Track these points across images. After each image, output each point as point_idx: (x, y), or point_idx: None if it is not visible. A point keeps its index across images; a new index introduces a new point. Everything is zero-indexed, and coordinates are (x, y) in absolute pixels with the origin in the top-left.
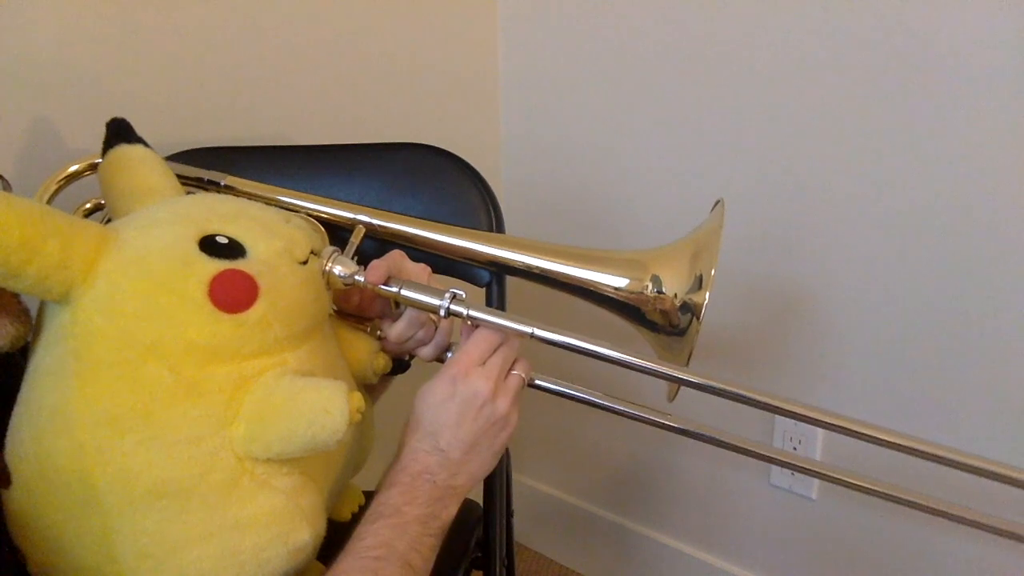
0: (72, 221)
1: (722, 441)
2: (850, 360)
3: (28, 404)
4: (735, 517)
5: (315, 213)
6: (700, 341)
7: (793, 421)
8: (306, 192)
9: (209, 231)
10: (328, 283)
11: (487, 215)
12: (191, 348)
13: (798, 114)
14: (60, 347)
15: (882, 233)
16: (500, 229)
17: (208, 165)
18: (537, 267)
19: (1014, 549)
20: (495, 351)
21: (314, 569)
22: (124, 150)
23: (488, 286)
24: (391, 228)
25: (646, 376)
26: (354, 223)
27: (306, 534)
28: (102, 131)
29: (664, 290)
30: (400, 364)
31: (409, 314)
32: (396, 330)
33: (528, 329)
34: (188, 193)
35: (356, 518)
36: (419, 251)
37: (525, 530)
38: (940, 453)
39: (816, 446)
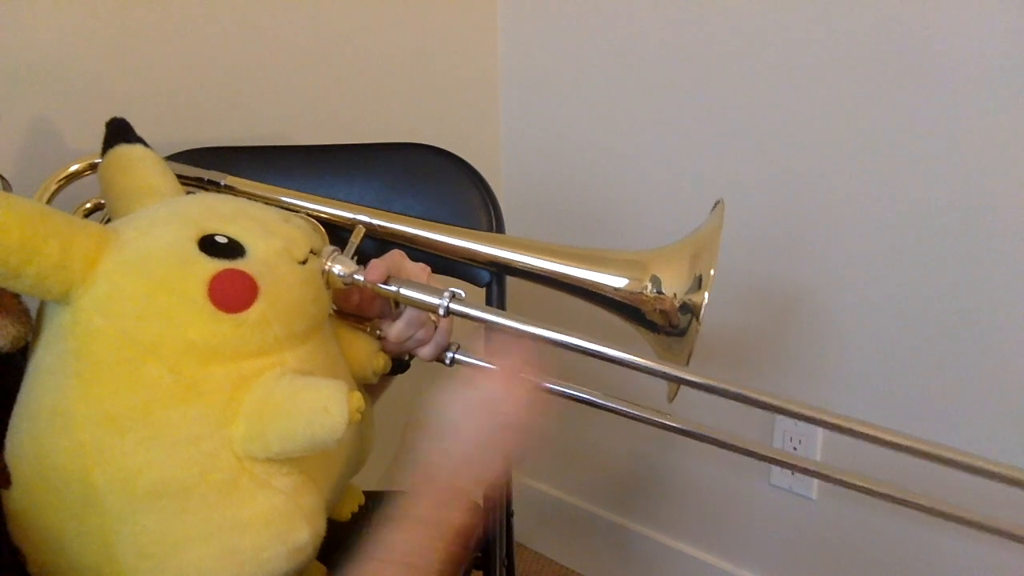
0: (72, 221)
1: (722, 441)
2: (850, 360)
3: (28, 404)
4: (735, 517)
5: (315, 213)
6: (700, 341)
7: (793, 421)
8: (306, 192)
9: (208, 231)
10: (328, 283)
11: (487, 215)
12: (191, 348)
13: (798, 114)
14: (60, 347)
15: (883, 233)
16: (500, 229)
17: (208, 165)
18: (537, 267)
19: (1014, 550)
20: (508, 354)
21: (314, 569)
22: (124, 150)
23: (488, 286)
24: (391, 228)
25: (646, 376)
26: (354, 223)
27: (306, 534)
28: (102, 131)
29: (664, 290)
30: (400, 364)
31: (408, 313)
32: (395, 330)
33: (527, 328)
34: (188, 193)
35: (356, 518)
36: (419, 251)
37: (525, 530)
38: (940, 453)
39: (816, 446)
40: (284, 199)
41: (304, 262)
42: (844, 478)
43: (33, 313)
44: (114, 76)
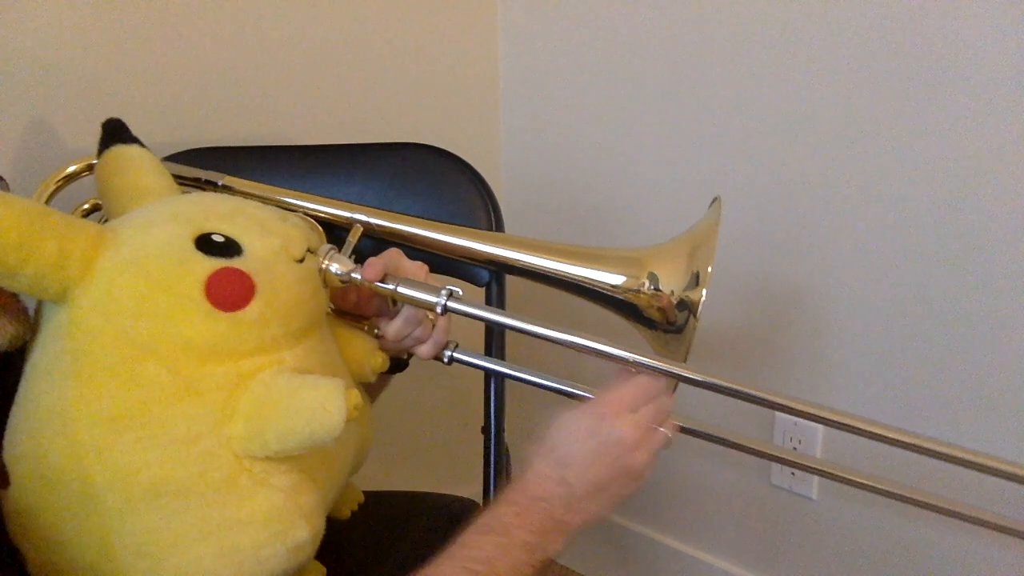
0: (69, 221)
1: (722, 438)
2: (849, 358)
3: (26, 404)
4: (735, 517)
5: (312, 212)
6: (698, 340)
7: (793, 420)
8: (306, 192)
9: (205, 230)
10: (325, 281)
11: (487, 215)
12: (188, 347)
13: (798, 114)
14: (57, 346)
15: (882, 231)
16: (500, 229)
17: (208, 165)
18: (534, 265)
19: (1014, 546)
20: (650, 401)
21: (313, 568)
22: (120, 150)
23: (488, 286)
24: (389, 227)
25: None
26: (351, 222)
27: (305, 532)
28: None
29: (661, 287)
30: (398, 363)
31: (406, 312)
32: (393, 328)
33: (526, 326)
34: (185, 193)
35: (355, 516)
36: (417, 250)
37: None
38: (939, 449)
39: (816, 446)
40: (281, 198)
41: (301, 261)
42: (843, 475)
43: (31, 313)
44: (113, 76)
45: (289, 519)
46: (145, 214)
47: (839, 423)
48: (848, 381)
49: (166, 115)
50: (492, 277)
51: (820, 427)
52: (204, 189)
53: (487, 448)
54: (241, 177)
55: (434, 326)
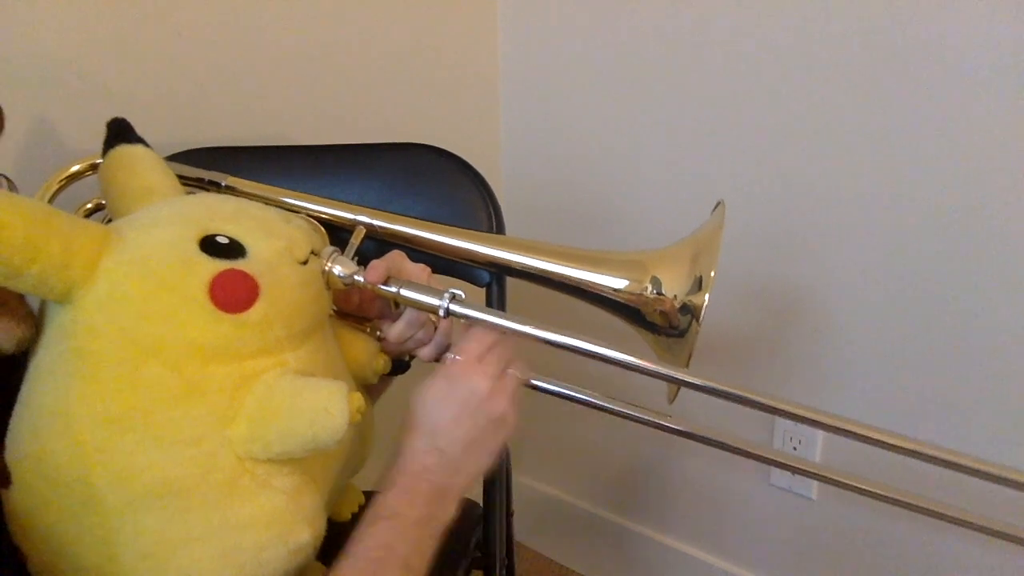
0: (74, 221)
1: (722, 443)
2: (851, 362)
3: (28, 404)
4: (735, 517)
5: (315, 214)
6: (700, 343)
7: (793, 422)
8: (306, 192)
9: (210, 231)
10: (328, 283)
11: (487, 215)
12: (192, 348)
13: (799, 115)
14: (61, 347)
15: (883, 234)
16: (500, 229)
17: (209, 165)
18: (536, 268)
19: (1013, 551)
20: (491, 349)
21: (314, 569)
22: (124, 150)
23: (488, 287)
24: (391, 229)
25: (646, 377)
26: (354, 224)
27: (306, 534)
28: (103, 131)
29: (664, 291)
30: (400, 365)
31: (408, 314)
32: (396, 330)
33: (528, 329)
34: (188, 193)
35: (356, 518)
36: (419, 252)
37: (525, 530)
38: (939, 455)
39: (816, 447)
40: (284, 199)
41: (305, 263)
42: (842, 480)
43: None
44: (115, 76)
45: (291, 521)
46: (149, 215)
47: (835, 428)
48: (849, 383)
49: (168, 115)
50: (493, 279)
51: (820, 430)
52: (207, 189)
53: None
54: (242, 177)
55: (436, 329)
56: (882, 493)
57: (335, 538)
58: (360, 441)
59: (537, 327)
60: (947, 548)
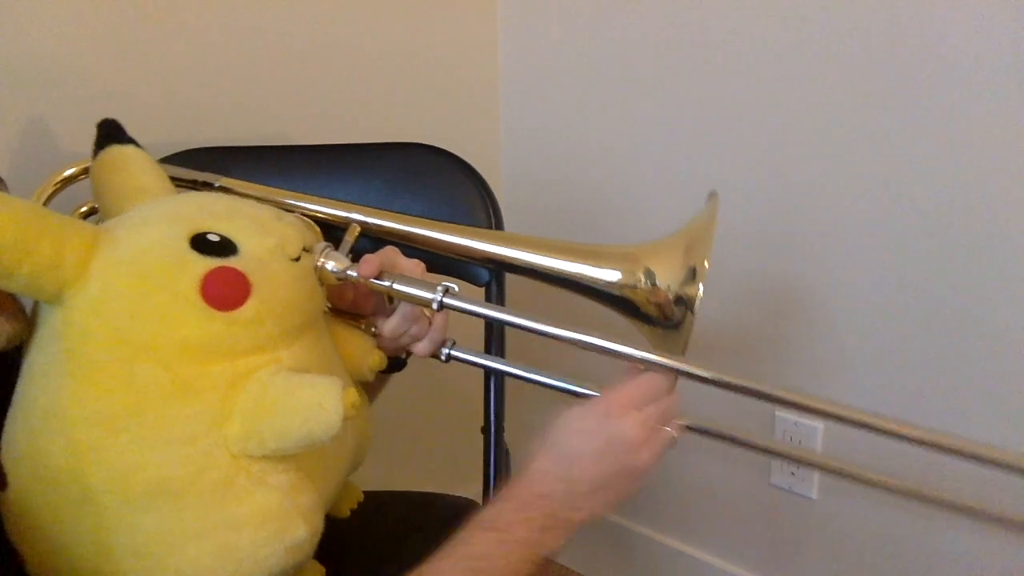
0: (65, 221)
1: (722, 434)
2: (848, 358)
3: (22, 404)
4: (735, 517)
5: (309, 212)
6: (697, 338)
7: (793, 420)
8: (306, 192)
9: (201, 229)
10: (321, 279)
11: (487, 215)
12: (184, 346)
13: (796, 112)
14: (53, 347)
15: (880, 228)
16: (500, 228)
17: (207, 165)
18: (530, 262)
19: (1013, 552)
20: (656, 401)
21: (312, 567)
22: (115, 150)
23: (487, 285)
24: (386, 226)
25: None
26: (347, 222)
27: (303, 531)
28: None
29: (658, 283)
30: (396, 362)
31: (403, 309)
32: (390, 326)
33: (524, 323)
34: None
35: (354, 516)
36: (415, 250)
37: None
38: (939, 440)
39: (816, 446)
40: (278, 199)
41: (297, 259)
42: (844, 469)
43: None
44: (113, 76)
45: (287, 518)
46: (140, 214)
47: (836, 415)
48: (846, 380)
49: (164, 115)
50: (491, 276)
51: (820, 426)
52: (200, 190)
53: (487, 448)
54: (240, 177)
55: (431, 323)
56: (882, 482)
57: (333, 536)
58: (357, 438)
59: (533, 319)
60: (947, 548)
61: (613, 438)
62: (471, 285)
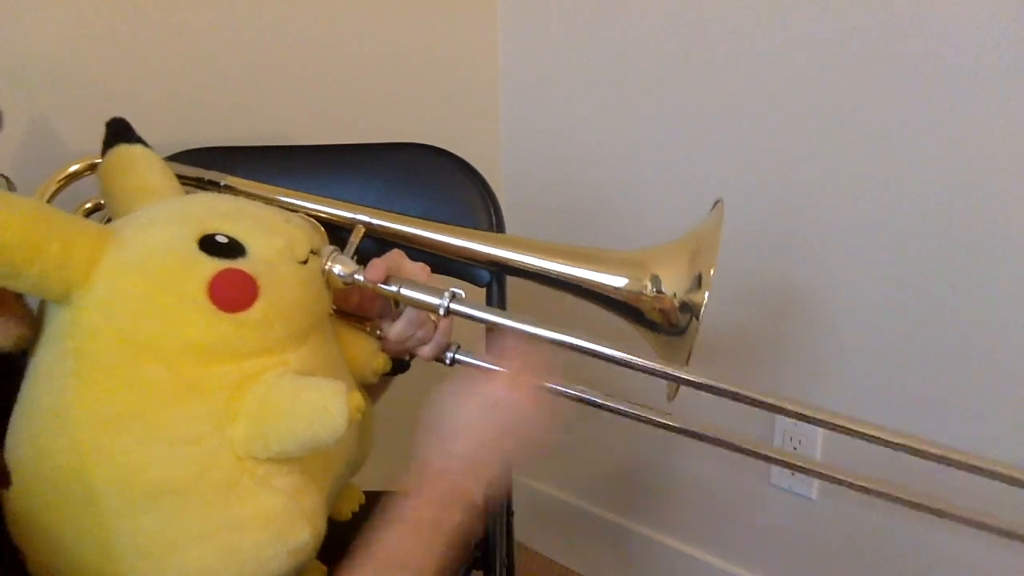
0: (73, 221)
1: (722, 440)
2: (850, 359)
3: (27, 404)
4: (735, 517)
5: (314, 213)
6: (700, 341)
7: (793, 421)
8: (306, 192)
9: (209, 230)
10: (328, 282)
11: (487, 215)
12: (190, 347)
13: (798, 114)
14: (59, 346)
15: (882, 232)
16: (500, 229)
17: (209, 165)
18: (536, 266)
19: (1013, 552)
20: (512, 355)
21: (314, 569)
22: (124, 150)
23: (488, 286)
24: (391, 228)
25: (646, 377)
26: (353, 223)
27: (306, 533)
28: (102, 130)
29: (663, 289)
30: (400, 364)
31: (408, 313)
32: (396, 329)
33: (527, 328)
34: (188, 193)
35: (356, 517)
36: (419, 251)
37: (525, 530)
38: (938, 452)
39: (816, 447)
40: (283, 199)
41: (305, 262)
42: (843, 477)
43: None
44: (114, 76)
45: (290, 520)
46: (148, 214)
47: (835, 425)
48: (848, 382)
49: (167, 114)
50: (493, 278)
51: (820, 429)
52: (206, 189)
53: None
54: (242, 177)
55: (436, 328)
56: (881, 490)
57: (335, 537)
58: (360, 441)
59: (537, 326)
60: (947, 548)
61: (479, 401)
62: (472, 286)
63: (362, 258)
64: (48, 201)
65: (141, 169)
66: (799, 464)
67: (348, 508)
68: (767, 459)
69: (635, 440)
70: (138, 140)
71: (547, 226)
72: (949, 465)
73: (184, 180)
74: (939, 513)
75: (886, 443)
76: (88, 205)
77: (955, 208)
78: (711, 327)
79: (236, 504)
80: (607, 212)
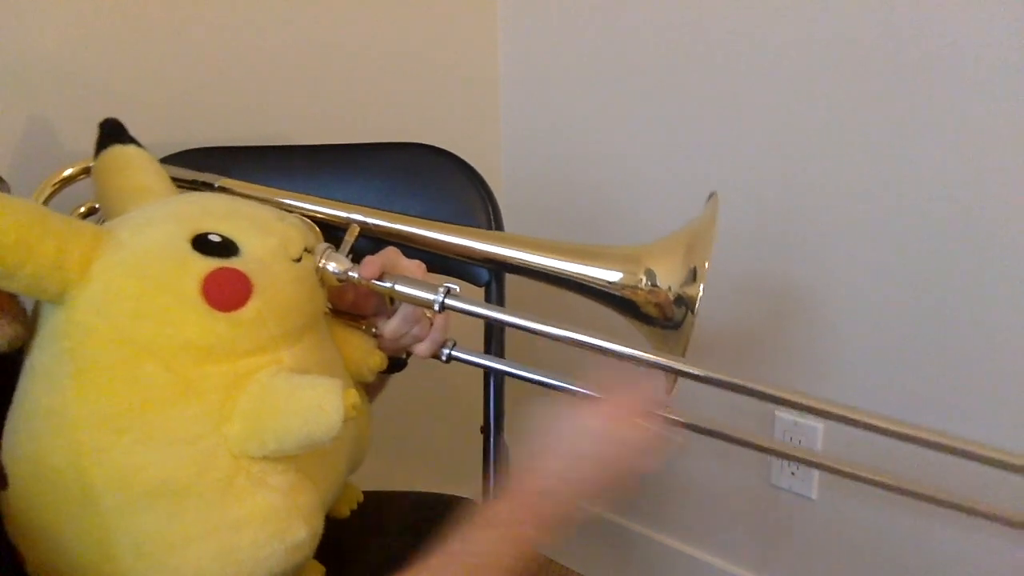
0: (67, 222)
1: (722, 433)
2: (848, 355)
3: (24, 404)
4: (735, 517)
5: (309, 213)
6: (697, 339)
7: (793, 420)
8: (306, 192)
9: (202, 229)
10: (322, 280)
11: (486, 215)
12: (186, 347)
13: (797, 112)
14: (56, 347)
15: (880, 228)
16: (499, 229)
17: (207, 165)
18: (530, 262)
19: (1013, 551)
20: (658, 403)
21: (312, 567)
22: (117, 151)
23: (487, 285)
24: (386, 227)
25: (642, 373)
26: (347, 222)
27: (303, 532)
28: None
29: (658, 283)
30: (397, 362)
31: (403, 310)
32: (391, 327)
33: (523, 323)
34: (182, 193)
35: (354, 516)
36: (416, 250)
37: None
38: (938, 439)
39: (816, 444)
40: (278, 199)
41: (299, 260)
42: (844, 468)
43: (29, 313)
44: (113, 76)
45: (287, 519)
46: (142, 215)
47: (836, 415)
48: (846, 380)
49: (166, 114)
50: (491, 276)
51: (820, 426)
52: (201, 191)
53: (486, 447)
54: (240, 178)
55: (432, 324)
56: (882, 481)
57: (333, 536)
58: (357, 439)
59: (533, 320)
60: (947, 548)
61: (616, 441)
62: (471, 285)
63: (357, 257)
64: (43, 204)
65: (135, 169)
66: (798, 456)
67: (346, 506)
68: (767, 451)
69: None
70: (131, 141)
71: (547, 226)
72: (946, 452)
73: (179, 182)
74: (939, 502)
75: (884, 431)
76: (82, 209)
77: (955, 208)
78: (711, 327)
79: (233, 503)
80: (607, 212)
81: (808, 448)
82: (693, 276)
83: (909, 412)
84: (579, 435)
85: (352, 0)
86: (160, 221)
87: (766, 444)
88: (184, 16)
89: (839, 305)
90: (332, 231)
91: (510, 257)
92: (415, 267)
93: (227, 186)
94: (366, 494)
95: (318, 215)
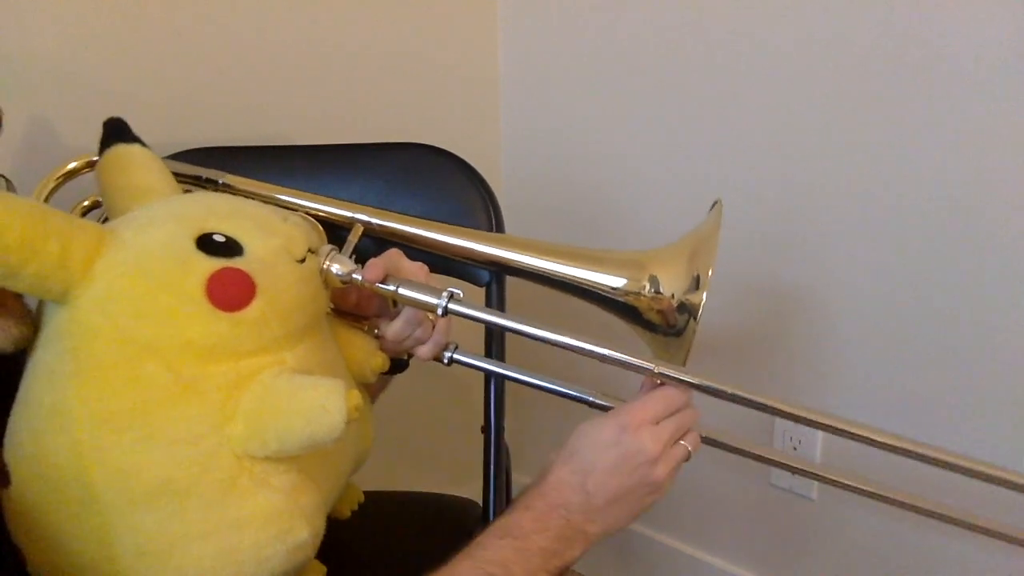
0: (71, 221)
1: (721, 443)
2: (849, 361)
3: (27, 403)
4: (735, 517)
5: (313, 212)
6: (698, 342)
7: (793, 422)
8: (306, 192)
9: (206, 229)
10: (326, 281)
11: (487, 215)
12: (189, 347)
13: (798, 115)
14: (58, 346)
15: (881, 233)
16: (500, 229)
17: (208, 165)
18: (535, 266)
19: (1012, 552)
20: (673, 414)
21: (313, 568)
22: (121, 149)
23: (488, 286)
24: (389, 227)
25: (642, 377)
26: (352, 222)
27: (305, 532)
28: (101, 130)
29: (662, 290)
30: (398, 363)
31: (406, 313)
32: (393, 329)
33: (526, 329)
34: (186, 192)
35: (355, 516)
36: (417, 250)
37: None
38: (937, 456)
39: (816, 447)
40: (282, 198)
41: (302, 261)
42: (842, 480)
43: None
44: (114, 76)
45: (289, 519)
46: (146, 214)
47: (833, 428)
48: (848, 383)
49: (166, 114)
50: (492, 278)
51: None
52: (204, 187)
53: (487, 448)
54: (241, 177)
55: (434, 327)
56: (881, 494)
57: (335, 536)
58: (359, 440)
59: (535, 326)
60: (947, 549)
61: (631, 452)
62: (472, 286)
63: (361, 258)
64: (46, 198)
65: (138, 168)
66: (797, 467)
67: (347, 507)
68: (765, 461)
69: None
70: (135, 139)
71: (547, 226)
72: (942, 468)
73: (182, 179)
74: (936, 516)
75: (882, 445)
76: (86, 203)
77: (955, 208)
78: (711, 327)
79: (235, 503)
80: (607, 212)
81: (808, 450)
82: (696, 284)
83: (909, 412)
84: (592, 446)
85: (352, 0)
86: (163, 220)
87: (765, 454)
88: (184, 16)
89: (839, 305)
90: (335, 230)
91: (514, 260)
92: (418, 269)
93: (231, 183)
94: (367, 494)
95: (322, 214)
